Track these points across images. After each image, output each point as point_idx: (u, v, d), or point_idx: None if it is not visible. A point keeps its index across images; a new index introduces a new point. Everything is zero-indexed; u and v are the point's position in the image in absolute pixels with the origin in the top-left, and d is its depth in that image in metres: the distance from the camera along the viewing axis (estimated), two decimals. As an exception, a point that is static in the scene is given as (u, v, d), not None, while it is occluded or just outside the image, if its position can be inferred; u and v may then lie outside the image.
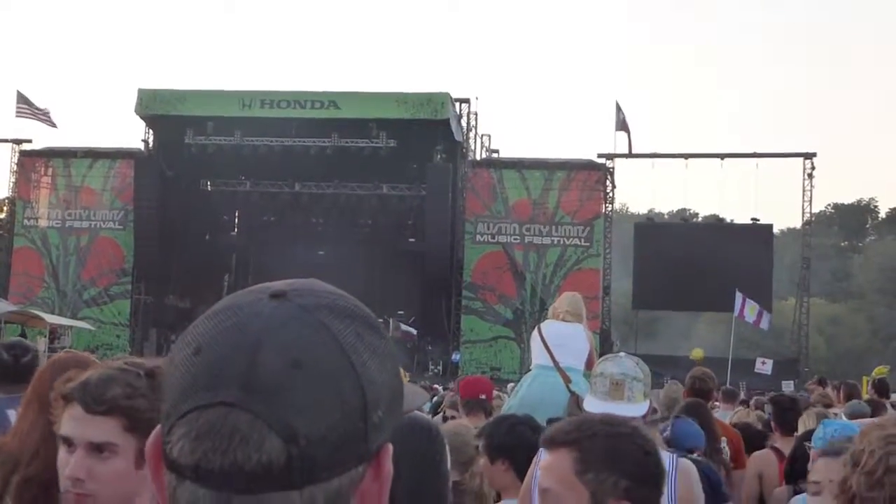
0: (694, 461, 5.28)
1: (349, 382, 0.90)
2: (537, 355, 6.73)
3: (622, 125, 35.70)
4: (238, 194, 39.69)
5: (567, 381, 6.37)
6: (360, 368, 0.91)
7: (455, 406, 7.08)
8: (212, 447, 0.86)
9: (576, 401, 6.27)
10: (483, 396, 6.53)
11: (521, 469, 3.93)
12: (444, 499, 2.39)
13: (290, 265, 38.86)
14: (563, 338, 6.63)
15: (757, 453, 6.72)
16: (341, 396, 0.89)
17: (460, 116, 37.81)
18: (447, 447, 2.43)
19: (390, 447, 0.96)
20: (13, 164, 39.40)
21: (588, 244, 35.67)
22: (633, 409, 3.70)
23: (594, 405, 3.74)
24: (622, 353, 3.97)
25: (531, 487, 3.56)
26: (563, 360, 6.47)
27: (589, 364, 6.69)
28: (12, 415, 4.34)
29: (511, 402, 6.74)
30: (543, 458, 2.28)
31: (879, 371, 13.84)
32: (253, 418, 0.86)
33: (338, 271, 35.82)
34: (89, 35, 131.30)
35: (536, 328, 6.91)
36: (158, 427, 0.94)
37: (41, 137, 40.14)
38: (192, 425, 0.87)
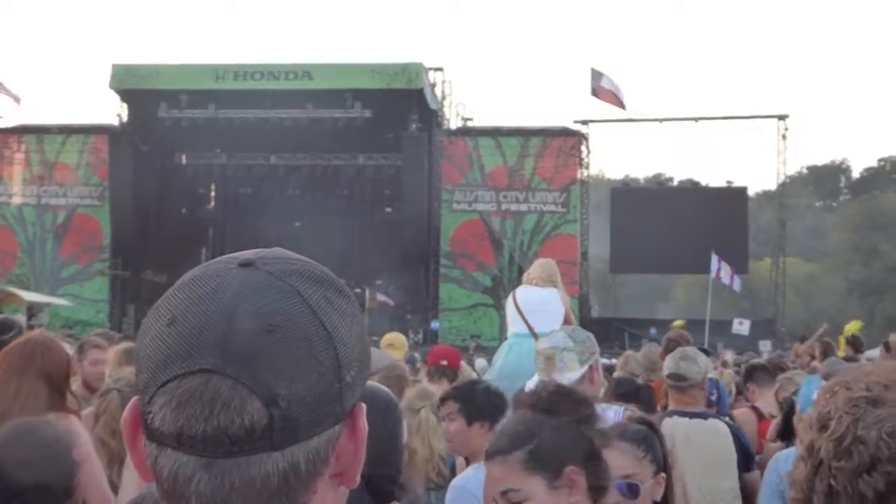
0: (728, 424, 5.42)
1: (323, 344, 0.93)
2: (513, 323, 6.77)
3: (597, 91, 35.69)
4: (214, 167, 39.42)
5: None
6: (332, 330, 0.94)
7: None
8: (194, 414, 0.89)
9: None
10: (445, 363, 6.58)
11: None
12: (399, 467, 2.45)
13: (268, 237, 38.74)
14: (537, 303, 6.68)
15: (736, 412, 6.84)
16: (316, 358, 0.92)
17: (434, 85, 37.68)
18: (403, 419, 2.51)
19: (363, 406, 1.00)
20: (-15, 142, 39.03)
21: (565, 210, 35.69)
22: (565, 378, 3.74)
23: (532, 381, 3.79)
24: (557, 328, 4.12)
25: None
26: (539, 326, 6.44)
27: (566, 323, 6.80)
28: None
29: (490, 373, 6.79)
30: (490, 472, 2.26)
31: (853, 327, 13.97)
32: (234, 383, 0.89)
33: (315, 242, 35.78)
34: (61, 11, 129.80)
35: (511, 295, 6.94)
36: (134, 399, 0.97)
37: (13, 115, 39.80)
38: (173, 394, 0.90)
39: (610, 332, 32.33)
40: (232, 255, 1.01)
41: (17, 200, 37.87)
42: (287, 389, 0.90)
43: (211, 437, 0.89)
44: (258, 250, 1.02)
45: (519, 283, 7.28)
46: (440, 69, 38.26)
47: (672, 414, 5.13)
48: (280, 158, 37.96)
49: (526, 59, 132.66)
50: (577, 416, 2.15)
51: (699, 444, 4.99)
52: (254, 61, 36.78)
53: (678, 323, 26.93)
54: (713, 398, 6.43)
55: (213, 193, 43.79)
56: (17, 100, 38.45)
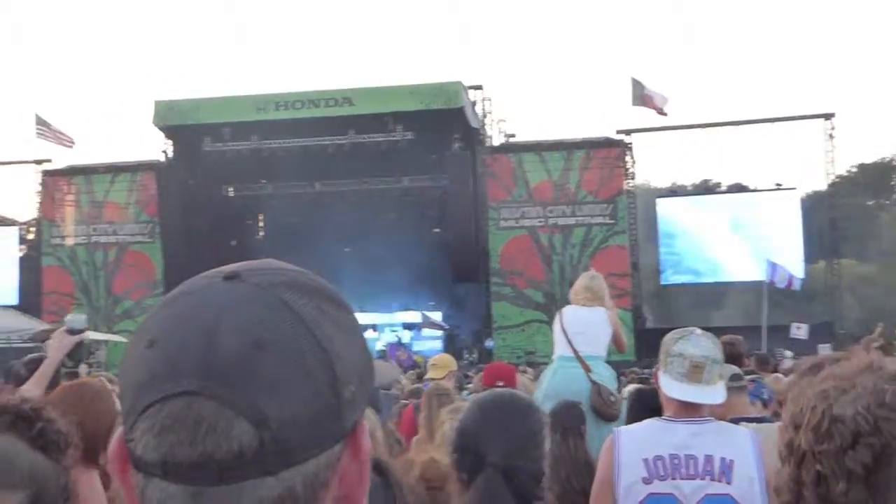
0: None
1: (316, 359, 0.86)
2: (559, 345, 6.76)
3: (639, 100, 35.51)
4: (260, 198, 39.79)
5: (587, 370, 6.43)
6: (325, 343, 0.88)
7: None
8: (177, 440, 0.82)
9: (598, 390, 6.34)
10: (501, 383, 6.50)
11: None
12: (542, 466, 2.48)
13: (317, 264, 38.86)
14: (582, 325, 6.66)
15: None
16: (309, 374, 0.85)
17: (474, 103, 37.75)
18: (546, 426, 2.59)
19: (366, 424, 0.93)
20: (37, 185, 39.73)
21: (613, 221, 35.54)
22: (710, 393, 3.63)
23: (672, 387, 3.64)
24: (698, 331, 3.80)
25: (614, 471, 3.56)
26: (583, 349, 6.51)
27: (617, 343, 6.78)
28: None
29: (536, 393, 6.75)
30: None
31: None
32: (218, 405, 0.82)
33: (366, 267, 36.00)
34: (100, 52, 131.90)
35: (557, 315, 6.89)
36: (121, 429, 0.91)
37: (62, 156, 40.41)
38: (155, 419, 0.83)
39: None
40: (216, 269, 0.94)
41: (69, 241, 38.48)
42: (277, 409, 0.83)
43: (198, 465, 0.82)
44: (245, 262, 0.96)
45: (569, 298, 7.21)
46: (479, 87, 38.35)
47: (736, 421, 5.00)
48: (325, 185, 38.16)
49: (565, 72, 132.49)
50: None
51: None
52: (293, 89, 37.03)
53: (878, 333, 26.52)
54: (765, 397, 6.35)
55: (261, 224, 44.18)
56: (70, 143, 39.10)
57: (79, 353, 4.77)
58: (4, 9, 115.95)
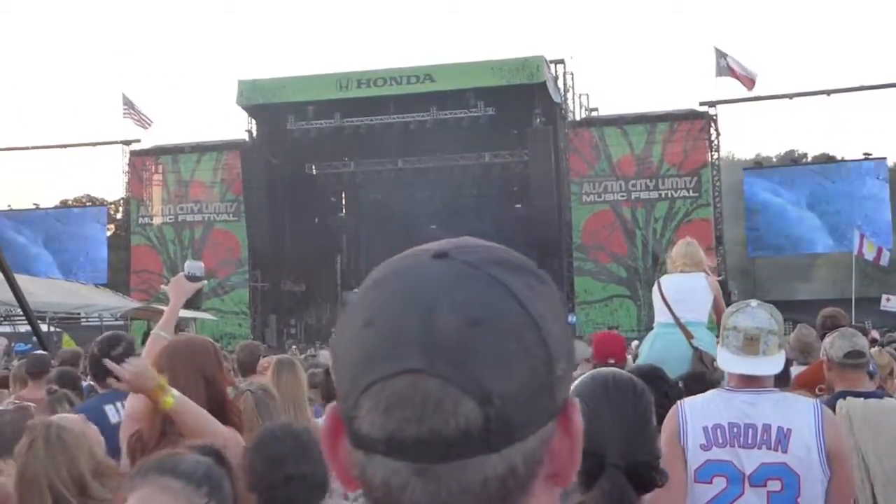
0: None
1: (531, 336, 0.86)
2: (659, 312, 6.65)
3: (723, 70, 34.99)
4: (343, 175, 40.06)
5: (689, 336, 6.34)
6: (539, 320, 0.87)
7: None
8: (404, 417, 0.83)
9: (699, 357, 6.22)
10: (612, 361, 6.39)
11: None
12: (657, 452, 2.44)
13: (401, 241, 39.03)
14: (682, 292, 6.57)
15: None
16: (527, 351, 0.85)
17: (556, 78, 37.51)
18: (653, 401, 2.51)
19: (576, 400, 0.93)
20: (125, 165, 40.49)
21: (697, 195, 35.16)
22: (768, 363, 3.62)
23: (728, 361, 3.67)
24: (754, 303, 3.80)
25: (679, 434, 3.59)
26: (684, 315, 6.40)
27: (717, 311, 6.55)
28: (110, 410, 4.42)
29: (637, 361, 6.69)
30: None
31: None
32: (443, 382, 0.82)
33: (449, 243, 36.00)
34: (185, 32, 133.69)
35: (656, 283, 6.79)
36: (332, 406, 0.93)
37: (149, 136, 41.14)
38: (379, 397, 0.84)
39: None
40: (421, 247, 0.95)
41: (157, 221, 39.18)
42: (501, 386, 0.83)
43: (424, 442, 0.83)
44: (448, 240, 0.95)
45: (655, 271, 7.16)
46: (561, 61, 38.12)
47: (844, 395, 4.97)
48: (407, 162, 38.29)
49: (647, 44, 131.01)
50: None
51: (878, 423, 4.85)
52: (375, 67, 37.16)
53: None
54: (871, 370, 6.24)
55: (343, 201, 44.51)
56: (146, 124, 39.75)
57: (198, 299, 4.67)
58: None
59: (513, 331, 0.85)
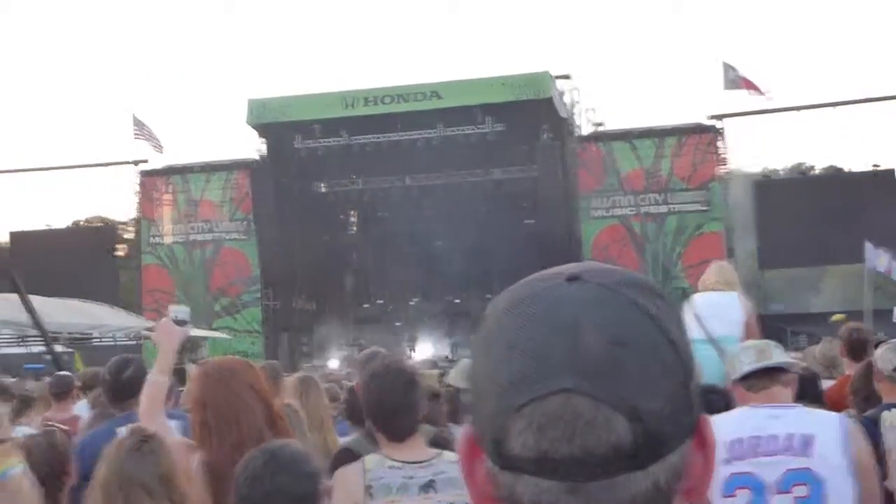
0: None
1: (670, 354, 0.90)
2: (690, 329, 6.60)
3: (731, 83, 34.98)
4: (351, 193, 40.10)
5: (721, 352, 6.19)
6: (673, 338, 0.91)
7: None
8: (557, 436, 0.86)
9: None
10: None
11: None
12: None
13: (409, 258, 39.27)
14: (715, 307, 6.56)
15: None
16: (668, 369, 0.89)
17: (562, 93, 37.58)
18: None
19: (707, 416, 0.96)
20: (135, 185, 40.61)
21: (707, 208, 35.12)
22: (781, 359, 3.85)
23: (746, 368, 3.82)
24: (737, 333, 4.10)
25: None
26: (716, 331, 6.36)
27: (749, 333, 6.50)
28: (122, 433, 4.47)
29: None
30: None
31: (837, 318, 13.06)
32: (594, 401, 0.85)
33: (458, 260, 36.09)
34: (193, 51, 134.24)
35: (687, 304, 6.76)
36: (467, 428, 0.95)
37: (159, 156, 41.27)
38: (532, 417, 0.86)
39: (769, 330, 31.46)
40: (548, 271, 0.99)
41: (168, 240, 39.28)
42: (648, 404, 0.87)
43: (576, 460, 0.86)
44: (575, 264, 0.99)
45: (666, 285, 7.14)
46: (567, 76, 38.16)
47: (890, 406, 4.96)
48: (415, 180, 38.34)
49: (653, 58, 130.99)
50: None
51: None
52: (381, 84, 37.24)
53: (838, 317, 26.05)
54: None
55: (352, 219, 44.55)
56: (159, 148, 39.90)
57: (185, 345, 4.66)
58: (104, 13, 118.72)
59: (654, 350, 0.89)
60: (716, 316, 6.50)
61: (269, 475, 2.81)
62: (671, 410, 0.88)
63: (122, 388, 4.68)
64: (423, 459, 3.48)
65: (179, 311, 4.00)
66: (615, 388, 0.86)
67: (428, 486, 3.41)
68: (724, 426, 3.63)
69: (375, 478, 3.40)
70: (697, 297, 6.80)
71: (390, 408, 3.53)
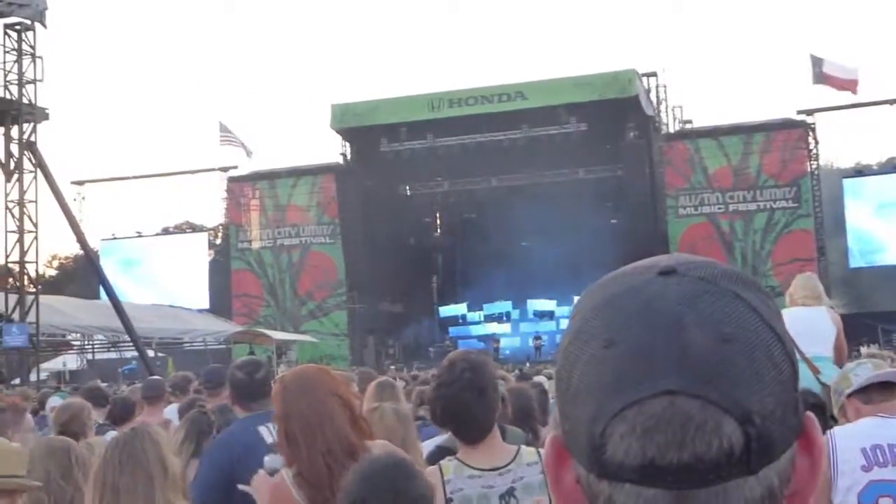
0: None
1: (778, 351, 0.82)
2: None
3: (819, 78, 34.36)
4: (437, 195, 40.32)
5: (815, 371, 5.96)
6: (782, 336, 0.84)
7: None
8: (664, 441, 0.78)
9: (828, 394, 5.97)
10: None
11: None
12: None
13: (495, 259, 39.25)
14: (804, 323, 6.21)
15: None
16: (777, 367, 0.81)
17: (649, 91, 37.26)
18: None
19: (813, 416, 0.87)
20: (223, 191, 41.29)
21: (796, 205, 34.55)
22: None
23: (867, 378, 3.82)
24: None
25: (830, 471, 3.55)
26: (808, 349, 5.98)
27: (838, 347, 6.34)
28: (264, 431, 4.55)
29: None
30: None
31: None
32: (703, 403, 0.78)
33: (544, 260, 36.01)
34: (278, 58, 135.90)
35: None
36: (553, 436, 0.88)
37: (245, 162, 41.90)
38: (635, 422, 0.79)
39: (861, 328, 30.81)
40: (639, 264, 0.90)
41: (256, 245, 39.82)
42: (759, 405, 0.79)
43: (686, 467, 0.78)
44: (666, 256, 0.90)
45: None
46: (653, 74, 37.85)
47: None
48: (500, 180, 38.37)
49: (740, 53, 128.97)
50: None
51: None
52: (465, 86, 37.30)
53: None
54: None
55: (438, 221, 44.69)
56: (248, 153, 40.51)
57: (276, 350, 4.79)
58: (191, 20, 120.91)
59: (763, 346, 0.82)
60: (806, 332, 6.19)
61: (391, 480, 2.80)
62: (782, 411, 0.81)
63: (257, 388, 4.86)
64: (501, 466, 3.42)
65: (275, 460, 4.06)
66: (725, 388, 0.79)
67: (508, 495, 3.36)
68: (858, 434, 3.60)
69: (455, 489, 3.33)
70: (785, 313, 6.56)
71: (458, 413, 3.46)
